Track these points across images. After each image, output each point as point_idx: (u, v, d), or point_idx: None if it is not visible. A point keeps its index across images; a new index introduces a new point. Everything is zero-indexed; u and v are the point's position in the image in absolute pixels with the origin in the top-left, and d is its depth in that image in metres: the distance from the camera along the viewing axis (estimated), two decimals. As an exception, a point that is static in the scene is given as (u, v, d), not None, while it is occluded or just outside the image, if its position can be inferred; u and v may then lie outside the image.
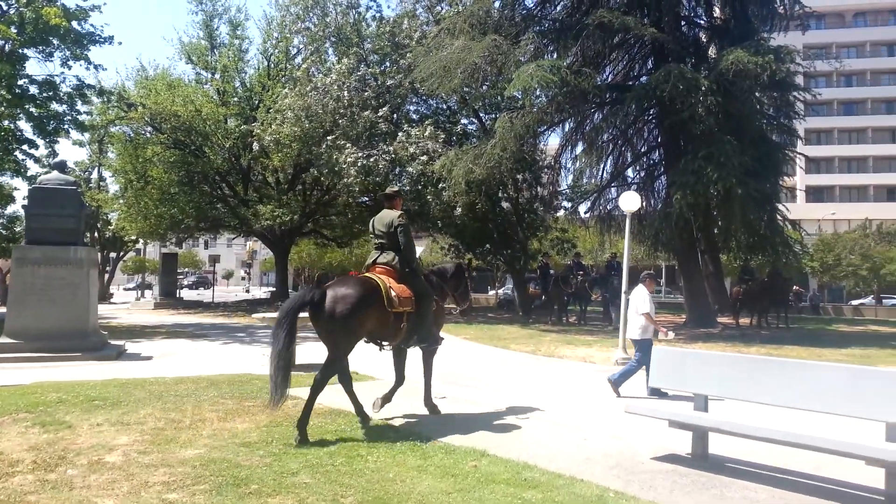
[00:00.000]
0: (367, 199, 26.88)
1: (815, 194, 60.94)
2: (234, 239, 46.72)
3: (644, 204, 23.41)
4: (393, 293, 6.40)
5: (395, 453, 5.37)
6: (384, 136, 23.20)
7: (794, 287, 33.44)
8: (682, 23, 21.60)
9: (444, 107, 26.83)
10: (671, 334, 9.54)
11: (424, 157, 21.45)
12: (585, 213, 27.44)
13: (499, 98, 23.89)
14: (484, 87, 22.53)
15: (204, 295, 43.40)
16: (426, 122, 23.34)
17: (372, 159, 21.90)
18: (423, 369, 7.21)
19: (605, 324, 19.78)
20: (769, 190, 19.43)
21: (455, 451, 5.47)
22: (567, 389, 9.06)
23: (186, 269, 71.86)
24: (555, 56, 20.11)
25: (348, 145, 22.23)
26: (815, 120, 53.41)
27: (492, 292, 45.27)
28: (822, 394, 4.93)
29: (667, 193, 20.74)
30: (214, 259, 47.41)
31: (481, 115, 25.65)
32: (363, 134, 23.06)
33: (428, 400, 7.23)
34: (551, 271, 22.43)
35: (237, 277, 76.19)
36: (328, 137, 22.74)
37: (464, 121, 26.69)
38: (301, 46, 28.87)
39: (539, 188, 26.09)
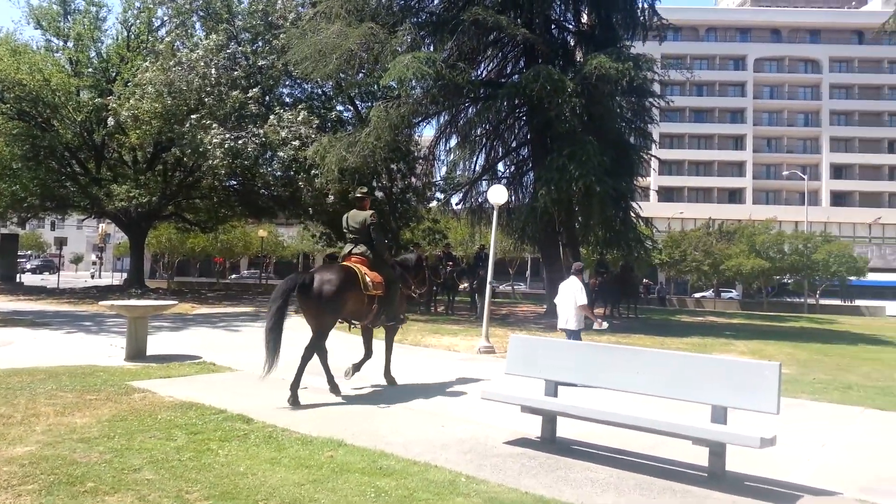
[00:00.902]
0: (234, 182, 25.84)
1: (666, 194, 65.76)
2: (84, 220, 43.16)
3: (513, 198, 24.27)
4: (367, 279, 7.54)
5: (248, 446, 5.25)
6: (254, 118, 22.37)
7: (644, 280, 36.01)
8: (553, 26, 22.49)
9: (319, 92, 26.29)
10: (605, 324, 9.80)
11: (297, 142, 20.94)
12: (457, 204, 28.00)
13: (375, 87, 23.74)
14: (360, 75, 22.30)
15: (49, 280, 39.93)
16: (300, 107, 22.77)
17: (240, 141, 21.08)
18: (384, 344, 8.45)
19: (471, 314, 20.31)
20: (625, 189, 20.75)
21: (312, 441, 5.44)
22: (430, 378, 9.23)
23: (29, 252, 65.92)
24: (431, 49, 20.30)
25: (215, 125, 21.24)
26: (668, 125, 57.70)
27: (364, 281, 45.05)
28: (659, 379, 5.33)
29: (533, 188, 21.59)
30: (61, 242, 43.68)
31: (357, 102, 25.42)
32: (231, 114, 22.12)
33: (387, 372, 8.48)
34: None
35: (87, 262, 70.63)
36: (192, 116, 21.59)
37: (339, 107, 26.30)
38: (165, 18, 27.15)
39: (413, 178, 26.27)
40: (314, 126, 21.72)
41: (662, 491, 4.62)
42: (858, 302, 42.37)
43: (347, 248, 7.98)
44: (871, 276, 43.74)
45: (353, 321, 8.04)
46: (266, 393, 7.32)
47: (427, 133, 28.03)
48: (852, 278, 40.63)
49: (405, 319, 8.95)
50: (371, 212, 8.01)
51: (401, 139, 21.45)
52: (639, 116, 23.29)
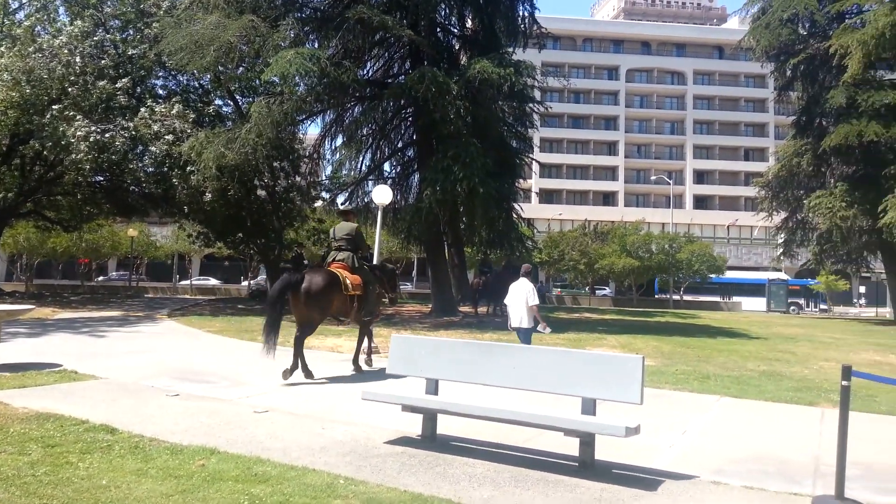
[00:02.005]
0: (101, 178, 24.16)
1: (546, 196, 68.45)
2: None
3: (399, 198, 24.37)
4: (348, 281, 9.04)
5: (111, 458, 4.93)
6: (124, 110, 21.08)
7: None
8: (438, 29, 22.78)
9: (196, 84, 25.16)
10: (548, 329, 10.14)
11: (170, 137, 19.91)
12: (343, 204, 27.72)
13: (257, 81, 23.04)
14: (240, 69, 21.56)
15: None
16: (174, 100, 21.69)
17: (108, 135, 19.78)
18: (357, 336, 10.09)
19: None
20: (507, 190, 21.38)
21: (182, 450, 5.18)
22: (312, 380, 9.06)
23: None
24: (316, 45, 19.97)
25: (79, 117, 19.81)
26: (548, 130, 59.96)
27: (244, 283, 43.57)
28: (535, 374, 5.50)
29: (419, 189, 21.77)
30: None
31: (237, 97, 24.52)
32: (98, 106, 20.71)
33: (356, 360, 9.78)
34: (305, 262, 22.28)
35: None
36: (54, 107, 20.00)
37: (218, 101, 25.28)
38: (24, 0, 24.96)
39: (297, 177, 25.68)
40: (190, 120, 20.76)
41: (537, 482, 4.79)
42: (717, 298, 45.91)
43: (332, 255, 9.49)
44: (729, 274, 47.54)
45: (340, 317, 9.49)
46: (132, 402, 6.91)
47: (312, 131, 27.56)
48: (712, 276, 43.98)
49: (379, 315, 11.30)
50: (356, 224, 9.76)
51: (284, 137, 20.94)
52: (520, 121, 24.08)
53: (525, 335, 9.72)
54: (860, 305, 50.98)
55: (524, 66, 19.68)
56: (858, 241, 29.71)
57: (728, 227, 68.62)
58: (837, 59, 25.30)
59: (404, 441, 5.79)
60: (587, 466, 5.14)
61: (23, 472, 4.50)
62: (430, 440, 5.81)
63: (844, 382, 4.59)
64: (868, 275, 39.54)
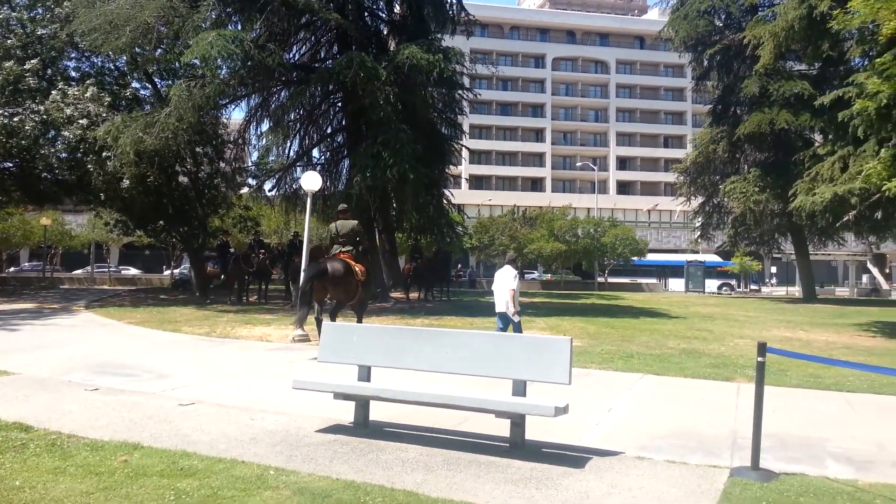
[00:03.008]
0: (10, 164, 22.72)
1: (476, 182, 68.94)
2: None
3: (328, 185, 24.02)
4: (356, 269, 10.88)
5: (26, 457, 4.69)
6: (33, 92, 19.87)
7: (458, 265, 37.53)
8: (366, 14, 22.49)
9: (112, 66, 23.94)
10: (517, 317, 10.49)
11: (84, 121, 18.93)
12: (270, 191, 27.09)
13: (177, 64, 22.09)
14: (158, 51, 20.64)
15: None
16: (88, 82, 20.60)
17: (16, 119, 18.65)
18: (356, 317, 11.75)
19: (286, 302, 19.82)
20: (437, 176, 21.41)
21: (103, 446, 4.98)
22: (240, 370, 8.88)
23: None
24: (239, 27, 19.31)
25: (-17, 99, 18.57)
26: (477, 117, 60.31)
27: (166, 272, 42.08)
28: (467, 358, 5.55)
29: (349, 175, 21.51)
30: None
31: (156, 80, 23.48)
32: (5, 88, 19.45)
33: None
34: (231, 250, 21.70)
35: None
36: (-46, 88, 18.68)
37: (135, 84, 24.15)
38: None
39: (221, 163, 24.85)
40: (105, 104, 19.79)
41: (469, 464, 4.85)
42: (639, 279, 47.53)
43: (336, 248, 11.15)
44: (651, 257, 49.28)
45: (345, 300, 10.99)
46: (48, 398, 6.59)
47: (237, 116, 26.79)
48: (635, 258, 45.48)
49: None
50: (356, 221, 11.76)
51: (207, 121, 20.24)
52: (449, 108, 24.11)
53: (507, 319, 10.37)
54: (772, 285, 53.93)
55: (453, 53, 19.67)
56: (770, 223, 31.33)
57: (649, 211, 71.02)
58: (751, 50, 26.46)
59: (336, 429, 5.76)
60: (518, 447, 5.25)
61: (-74, 477, 4.23)
62: (363, 427, 5.80)
63: (760, 359, 4.84)
64: (779, 256, 41.76)
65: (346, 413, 5.98)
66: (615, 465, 4.90)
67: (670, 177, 53.74)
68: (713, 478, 4.64)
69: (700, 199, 36.69)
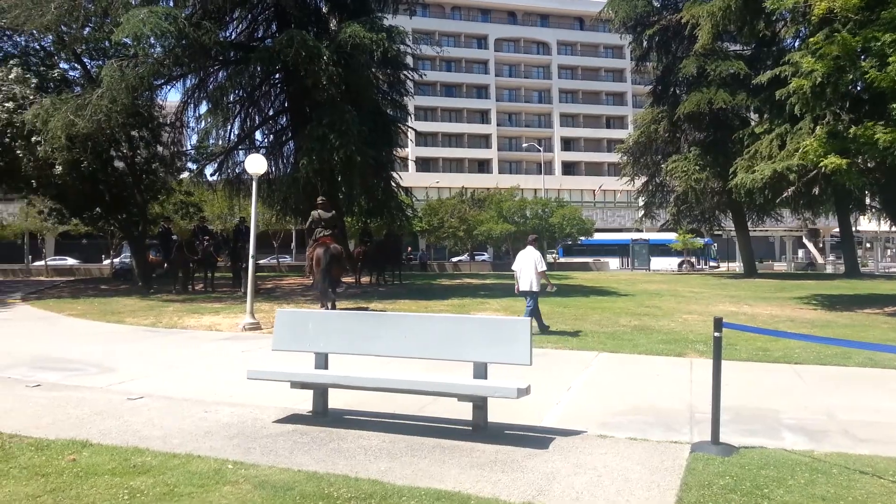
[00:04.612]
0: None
1: (423, 165, 68.55)
2: None
3: (273, 168, 23.47)
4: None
5: (-37, 462, 4.40)
6: (-49, 74, 18.65)
7: (409, 248, 37.38)
8: (305, -10, 21.87)
9: (37, 46, 22.66)
10: (554, 288, 11.28)
11: (10, 104, 17.89)
12: (212, 175, 26.34)
13: (107, 43, 21.08)
14: (87, 29, 19.63)
15: None
16: (11, 62, 19.46)
17: (-68, 102, 17.46)
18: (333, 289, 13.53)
19: (234, 290, 19.34)
20: (385, 159, 21.14)
21: (48, 446, 4.71)
22: (190, 361, 8.59)
23: None
24: (171, 4, 18.52)
25: None
26: (422, 99, 59.86)
27: (106, 262, 40.59)
28: (427, 342, 5.46)
29: (295, 158, 21.03)
30: None
31: (85, 60, 22.35)
32: (-80, 70, 18.21)
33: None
34: (174, 237, 20.99)
35: None
36: None
37: (63, 65, 22.93)
38: None
39: (159, 147, 23.93)
40: (32, 86, 18.76)
41: (432, 449, 4.79)
42: (587, 259, 48.35)
43: (319, 232, 13.42)
44: (597, 236, 50.19)
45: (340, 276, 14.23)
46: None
47: (173, 97, 25.80)
48: (582, 238, 46.21)
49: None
50: (334, 211, 14.64)
51: (141, 103, 19.43)
52: (395, 89, 23.82)
53: (533, 298, 10.52)
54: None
55: (396, 32, 19.35)
56: (711, 201, 32.19)
57: (594, 191, 72.14)
58: (689, 30, 26.97)
59: (295, 419, 5.61)
60: (481, 430, 5.21)
61: None
62: (322, 416, 5.67)
63: (717, 334, 4.90)
64: (720, 233, 43.04)
65: (303, 402, 5.83)
66: (578, 445, 4.91)
67: (614, 157, 54.63)
68: (675, 453, 4.70)
69: (643, 179, 37.39)
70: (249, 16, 22.71)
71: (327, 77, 17.46)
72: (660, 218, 39.30)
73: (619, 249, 50.35)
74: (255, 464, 4.43)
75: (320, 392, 5.73)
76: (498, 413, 5.45)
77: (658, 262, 47.55)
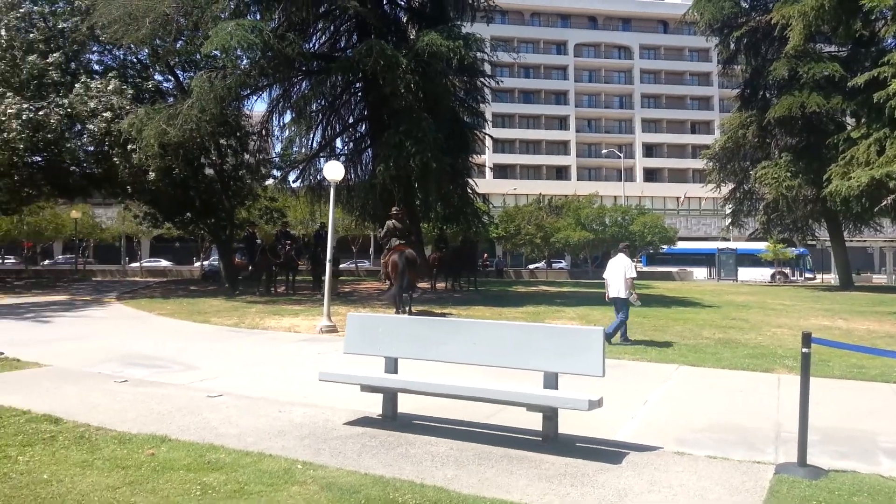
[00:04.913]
0: (38, 158, 23.00)
1: (500, 171, 68.43)
2: None
3: (352, 175, 23.94)
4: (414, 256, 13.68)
5: (55, 449, 4.65)
6: (57, 86, 20.05)
7: (485, 255, 37.36)
8: (385, 1, 22.30)
9: (134, 59, 24.06)
10: (638, 302, 11.23)
11: (108, 114, 19.04)
12: (295, 181, 27.10)
13: (197, 55, 22.12)
14: (179, 42, 20.66)
15: None
16: (110, 75, 20.71)
17: (42, 112, 18.83)
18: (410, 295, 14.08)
19: (314, 293, 19.82)
20: (461, 166, 21.18)
21: (131, 440, 4.93)
22: (268, 361, 8.83)
23: None
24: (258, 17, 19.26)
25: (10, 94, 18.75)
26: (499, 105, 59.80)
27: (196, 264, 42.53)
28: (496, 350, 5.38)
29: (372, 165, 21.38)
30: None
31: (177, 71, 23.55)
32: (29, 82, 19.67)
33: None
34: (258, 241, 21.76)
35: None
36: (-20, 84, 18.90)
37: (157, 77, 24.23)
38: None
39: (246, 155, 24.90)
40: (128, 96, 19.89)
41: (500, 459, 4.70)
42: (670, 268, 46.83)
43: (394, 241, 13.95)
44: (681, 245, 48.56)
45: (416, 280, 14.44)
46: (78, 390, 6.58)
47: (259, 107, 26.81)
48: (664, 247, 44.84)
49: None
50: (408, 221, 15.36)
51: (229, 113, 20.23)
52: (471, 96, 23.83)
53: (622, 305, 10.61)
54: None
55: (473, 39, 19.36)
56: (803, 209, 30.55)
57: (678, 199, 69.95)
58: (779, 31, 25.73)
59: (364, 422, 5.64)
60: (550, 441, 5.08)
61: (-47, 471, 4.19)
62: (391, 420, 5.68)
63: (805, 349, 4.59)
64: (813, 242, 40.77)
65: (374, 405, 5.86)
66: (653, 461, 4.70)
67: (698, 163, 52.73)
68: (758, 474, 4.42)
69: (730, 186, 35.88)
70: (332, 27, 23.31)
71: (405, 85, 17.66)
72: (748, 227, 37.57)
73: (705, 259, 48.49)
74: (323, 465, 4.47)
75: (389, 396, 5.74)
76: (569, 424, 5.30)
77: (746, 273, 45.41)
